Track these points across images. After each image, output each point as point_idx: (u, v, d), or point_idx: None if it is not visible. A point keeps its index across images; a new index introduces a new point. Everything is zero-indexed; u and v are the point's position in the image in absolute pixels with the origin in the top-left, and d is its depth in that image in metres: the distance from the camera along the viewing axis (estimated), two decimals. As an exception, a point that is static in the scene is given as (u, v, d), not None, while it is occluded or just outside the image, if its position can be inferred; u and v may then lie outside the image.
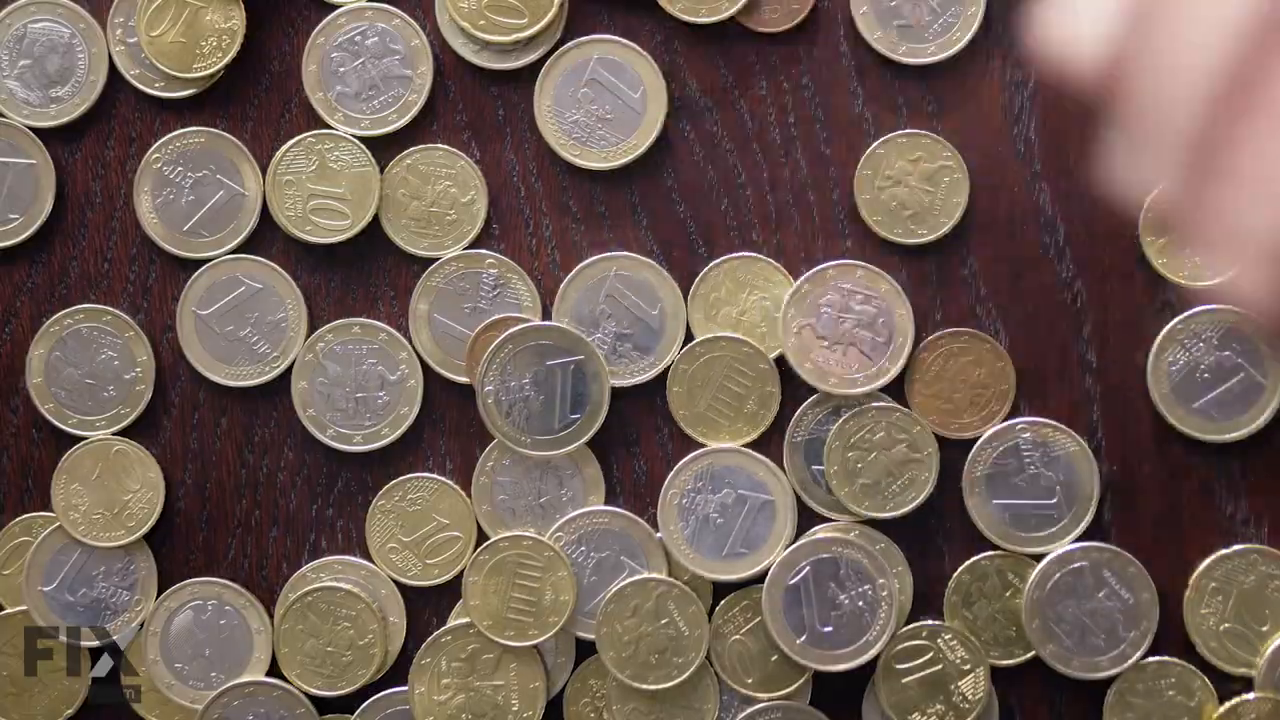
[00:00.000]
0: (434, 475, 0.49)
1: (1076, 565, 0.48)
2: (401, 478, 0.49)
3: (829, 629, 0.48)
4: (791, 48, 0.48)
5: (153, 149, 0.49)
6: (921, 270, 0.48)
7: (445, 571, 0.49)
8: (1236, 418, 0.48)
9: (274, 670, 0.49)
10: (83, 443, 0.49)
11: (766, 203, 0.48)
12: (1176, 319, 0.48)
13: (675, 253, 0.49)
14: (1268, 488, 0.48)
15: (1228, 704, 0.48)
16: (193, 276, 0.49)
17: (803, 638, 0.48)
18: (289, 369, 0.49)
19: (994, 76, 0.48)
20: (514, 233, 0.49)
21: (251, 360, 0.49)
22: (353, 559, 0.49)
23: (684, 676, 0.48)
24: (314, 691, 0.49)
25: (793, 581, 0.48)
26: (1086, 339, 0.48)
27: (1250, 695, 0.48)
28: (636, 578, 0.48)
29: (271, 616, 0.49)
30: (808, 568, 0.48)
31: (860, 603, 0.48)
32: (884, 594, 0.48)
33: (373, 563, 0.49)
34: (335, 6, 0.49)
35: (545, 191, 0.49)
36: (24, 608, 0.49)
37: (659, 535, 0.49)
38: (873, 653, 0.48)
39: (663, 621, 0.48)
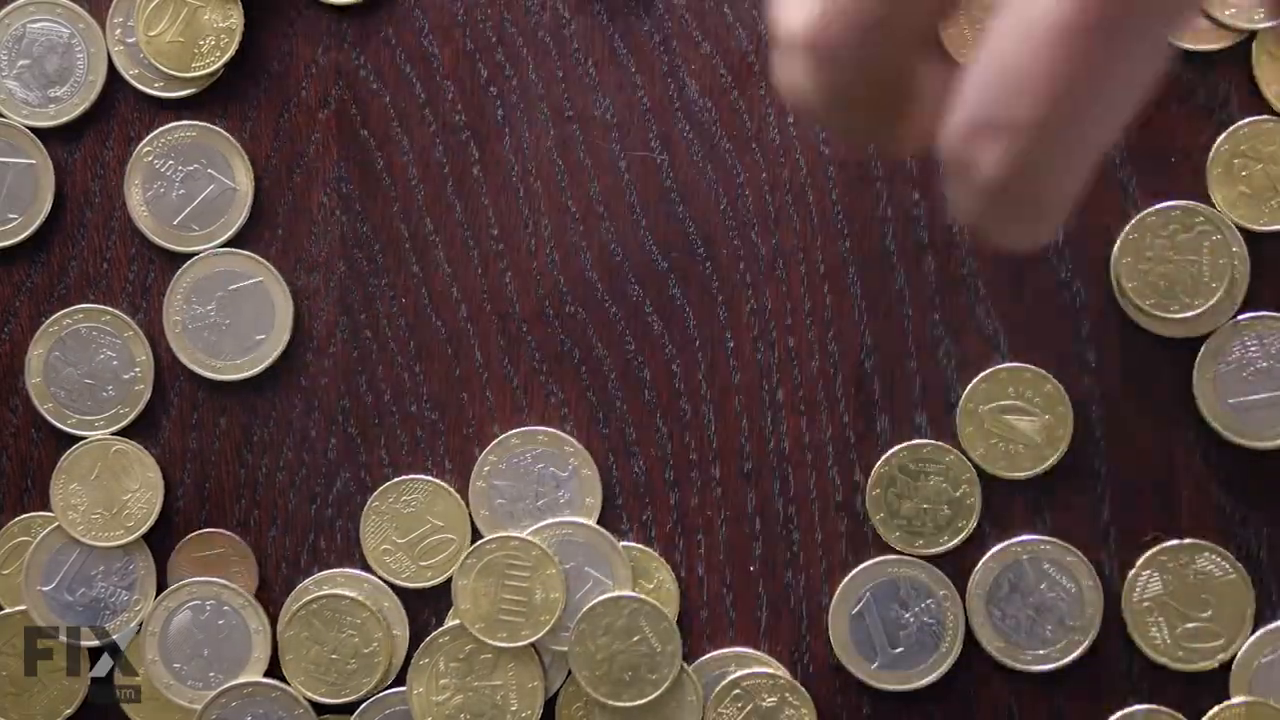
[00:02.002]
0: (428, 477, 0.49)
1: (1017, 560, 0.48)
2: (396, 479, 0.49)
3: (900, 650, 0.48)
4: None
5: (144, 142, 0.49)
6: (921, 270, 0.48)
7: (439, 574, 0.49)
8: (1260, 429, 0.47)
9: (273, 671, 0.49)
10: (82, 442, 0.49)
11: (766, 202, 0.48)
12: (1246, 315, 0.47)
13: (674, 253, 0.48)
14: (1269, 491, 0.48)
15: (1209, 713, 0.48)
16: (180, 269, 0.49)
17: (875, 663, 0.48)
18: (278, 365, 0.49)
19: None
20: (512, 232, 0.49)
21: (241, 354, 0.49)
22: (355, 572, 0.49)
23: (658, 693, 0.48)
24: (318, 699, 0.49)
25: (856, 610, 0.48)
26: (1086, 339, 0.48)
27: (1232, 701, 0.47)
28: (607, 595, 0.48)
29: (270, 617, 0.49)
30: (868, 594, 0.48)
31: (926, 618, 0.48)
32: (947, 604, 0.48)
33: (369, 565, 0.49)
34: (335, 7, 0.49)
35: (545, 191, 0.49)
36: (23, 608, 0.49)
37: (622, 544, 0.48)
38: (946, 666, 0.48)
39: (634, 639, 0.48)
